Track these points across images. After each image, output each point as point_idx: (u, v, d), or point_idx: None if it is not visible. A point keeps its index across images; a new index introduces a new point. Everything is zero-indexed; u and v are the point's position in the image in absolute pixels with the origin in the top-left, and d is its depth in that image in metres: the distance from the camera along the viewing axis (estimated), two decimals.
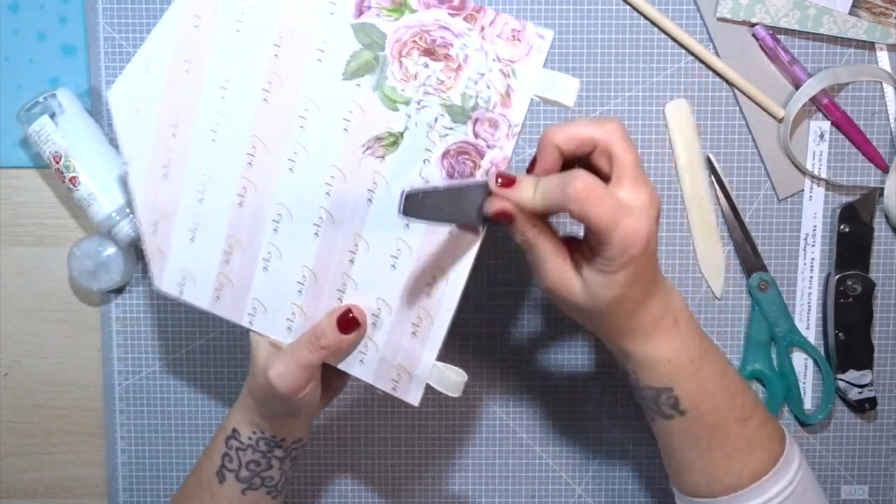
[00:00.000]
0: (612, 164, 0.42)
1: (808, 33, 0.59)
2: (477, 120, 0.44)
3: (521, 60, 0.44)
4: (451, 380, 0.47)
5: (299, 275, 0.48)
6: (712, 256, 0.61)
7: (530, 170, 0.44)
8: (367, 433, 0.63)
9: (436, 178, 0.45)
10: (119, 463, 0.63)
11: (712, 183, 0.61)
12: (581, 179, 0.40)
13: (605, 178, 0.43)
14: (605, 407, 0.63)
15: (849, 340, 0.61)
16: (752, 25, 0.59)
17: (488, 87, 0.44)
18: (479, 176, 0.45)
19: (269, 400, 0.49)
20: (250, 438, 0.51)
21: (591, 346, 0.62)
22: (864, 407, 0.61)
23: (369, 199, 0.46)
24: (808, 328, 0.62)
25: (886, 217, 0.61)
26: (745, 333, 0.62)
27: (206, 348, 0.62)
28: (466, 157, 0.45)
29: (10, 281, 0.63)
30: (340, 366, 0.49)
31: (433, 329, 0.47)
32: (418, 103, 0.45)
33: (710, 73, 0.60)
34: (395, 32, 0.44)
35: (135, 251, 0.61)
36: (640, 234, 0.40)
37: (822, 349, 0.62)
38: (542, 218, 0.44)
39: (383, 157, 0.45)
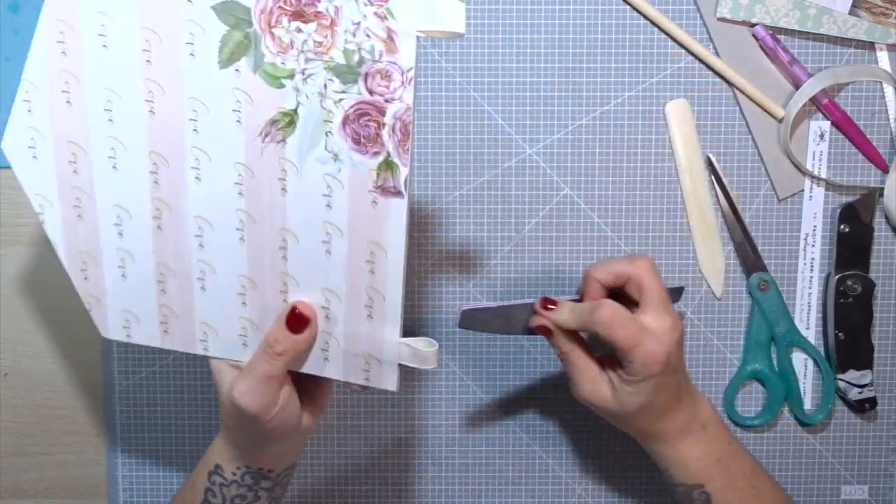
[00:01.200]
0: (641, 294, 0.50)
1: (808, 33, 0.59)
2: (367, 75, 0.41)
3: None
4: (423, 352, 0.45)
5: (237, 286, 0.46)
6: (712, 256, 0.61)
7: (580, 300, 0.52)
8: (366, 434, 0.63)
9: (343, 148, 0.43)
10: (119, 463, 0.63)
11: (712, 183, 0.61)
12: (607, 307, 0.48)
13: (636, 304, 0.51)
14: None
15: (849, 340, 0.61)
16: (752, 25, 0.59)
17: (368, 35, 0.41)
18: (385, 136, 0.42)
19: (245, 427, 0.47)
20: (234, 474, 0.49)
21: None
22: (864, 407, 0.61)
23: (283, 189, 0.43)
24: (808, 328, 0.62)
25: (886, 217, 0.61)
26: (745, 333, 0.62)
27: None
28: (367, 118, 0.42)
29: (10, 281, 0.63)
30: (306, 369, 0.47)
31: (387, 305, 0.45)
32: (303, 73, 0.42)
33: (710, 73, 0.60)
34: (257, 4, 0.41)
35: None
36: (658, 356, 0.48)
37: (822, 349, 0.62)
38: (576, 336, 0.51)
39: (284, 140, 0.43)
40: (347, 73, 0.42)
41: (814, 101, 0.60)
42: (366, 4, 0.40)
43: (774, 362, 0.62)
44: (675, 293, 0.57)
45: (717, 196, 0.61)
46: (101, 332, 0.48)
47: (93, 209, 0.46)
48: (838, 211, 0.60)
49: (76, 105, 0.45)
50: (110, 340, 0.62)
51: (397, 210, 0.43)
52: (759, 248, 0.61)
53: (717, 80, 0.60)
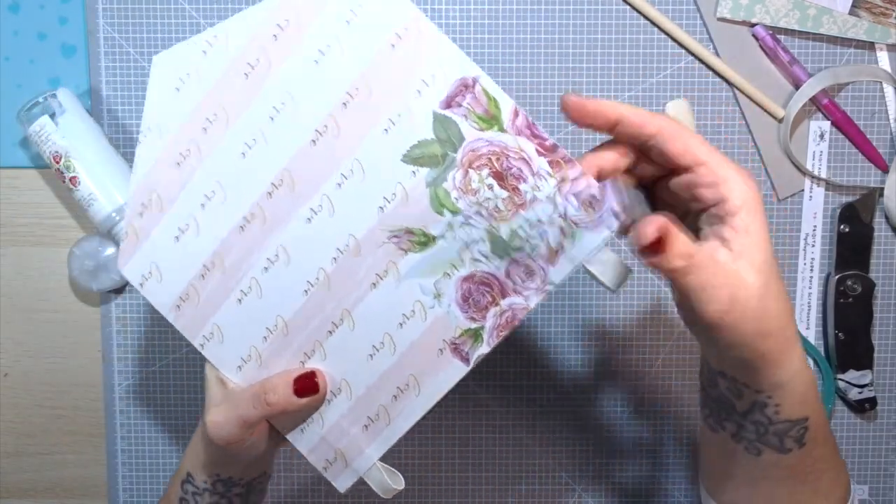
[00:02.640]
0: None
1: (808, 33, 0.59)
2: (515, 261, 0.42)
3: (587, 228, 0.40)
4: (386, 484, 0.45)
5: (272, 322, 0.45)
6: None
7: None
8: None
9: (450, 296, 0.43)
10: (119, 463, 0.63)
11: None
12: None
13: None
14: (606, 407, 0.63)
15: (849, 340, 0.61)
16: (752, 25, 0.59)
17: (541, 236, 0.41)
18: (491, 314, 0.43)
19: (211, 446, 0.46)
20: (206, 482, 0.48)
21: (590, 345, 0.62)
22: (864, 407, 0.61)
23: (374, 284, 0.43)
24: (808, 328, 0.62)
25: (886, 217, 0.61)
26: None
27: None
28: (487, 289, 0.43)
29: (10, 281, 0.63)
30: (278, 428, 0.46)
31: (387, 431, 0.45)
32: (466, 218, 0.42)
33: (710, 73, 0.60)
34: (474, 141, 0.41)
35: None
36: (744, 172, 0.38)
37: (822, 349, 0.62)
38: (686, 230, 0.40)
39: (406, 251, 0.43)
40: (501, 248, 0.42)
41: (814, 101, 0.60)
42: (561, 216, 0.41)
43: None
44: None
45: None
46: (118, 264, 0.47)
47: (195, 169, 0.45)
48: (838, 211, 0.60)
49: (252, 83, 0.44)
50: (111, 340, 0.62)
51: (455, 372, 0.44)
52: None
53: (717, 80, 0.60)
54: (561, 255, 0.41)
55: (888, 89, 0.60)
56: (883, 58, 0.60)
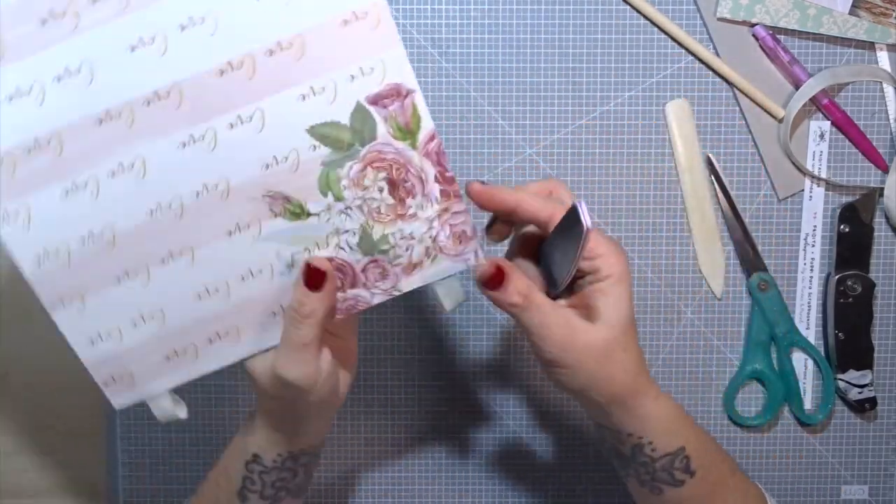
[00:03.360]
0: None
1: (808, 33, 0.59)
2: (375, 261, 0.44)
3: (448, 257, 0.44)
4: (168, 411, 0.45)
5: (98, 227, 0.42)
6: (712, 256, 0.61)
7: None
8: (365, 434, 0.63)
9: (296, 270, 0.43)
10: (119, 463, 0.63)
11: (712, 183, 0.61)
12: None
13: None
14: None
15: (849, 340, 0.61)
16: (752, 25, 0.59)
17: (408, 249, 0.43)
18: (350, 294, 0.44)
19: (289, 406, 0.45)
20: (275, 461, 0.48)
21: None
22: (864, 407, 0.61)
23: (230, 232, 0.42)
24: (808, 328, 0.62)
25: (886, 217, 0.61)
26: (745, 333, 0.62)
27: None
28: (340, 275, 0.44)
29: (10, 281, 0.63)
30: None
31: (191, 366, 0.44)
32: (346, 208, 0.43)
33: (710, 73, 0.60)
34: (384, 144, 0.42)
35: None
36: (614, 244, 0.44)
37: (822, 349, 0.62)
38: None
39: (276, 215, 0.42)
40: (368, 246, 0.43)
41: (814, 101, 0.60)
42: (431, 239, 0.43)
43: (774, 362, 0.62)
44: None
45: (717, 196, 0.61)
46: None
47: (67, 35, 0.40)
48: (838, 211, 0.60)
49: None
50: None
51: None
52: (759, 248, 0.61)
53: (717, 80, 0.60)
54: (417, 271, 0.44)
55: (888, 89, 0.60)
56: (883, 58, 0.60)
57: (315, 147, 0.42)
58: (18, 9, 0.40)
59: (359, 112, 0.41)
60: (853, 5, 0.59)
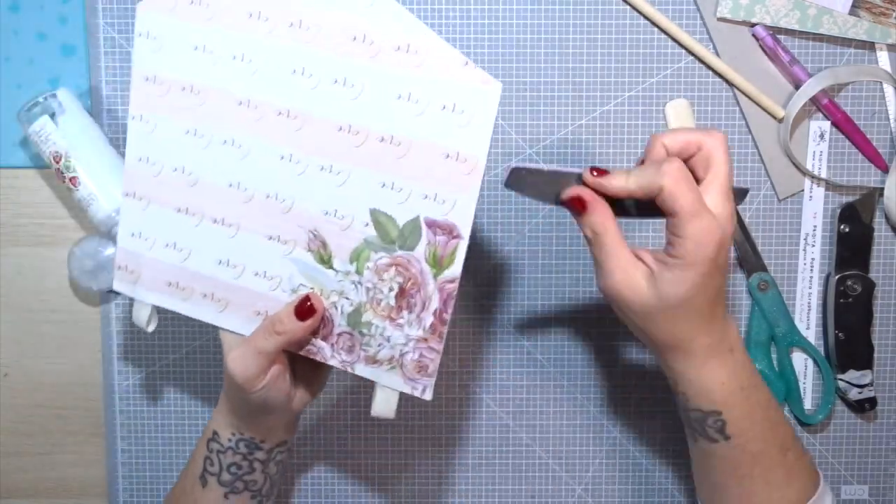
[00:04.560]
0: (709, 171, 0.44)
1: (808, 33, 0.59)
2: (350, 334, 0.49)
3: (403, 377, 0.49)
4: (143, 318, 0.52)
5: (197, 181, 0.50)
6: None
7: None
8: (365, 434, 0.63)
9: (294, 296, 0.49)
10: (119, 463, 0.63)
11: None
12: (677, 163, 0.43)
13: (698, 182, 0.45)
14: (606, 406, 0.63)
15: (849, 340, 0.61)
16: (752, 25, 0.59)
17: (378, 345, 0.49)
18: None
19: (236, 394, 0.49)
20: (229, 440, 0.51)
21: (591, 345, 0.62)
22: (864, 407, 0.61)
23: (271, 237, 0.49)
24: (808, 328, 0.62)
25: (886, 217, 0.61)
26: (745, 333, 0.62)
27: (205, 348, 0.62)
28: (321, 323, 0.49)
29: (10, 281, 0.63)
30: (303, 352, 0.50)
31: (175, 300, 0.51)
32: (357, 283, 0.48)
33: (710, 73, 0.60)
34: (414, 261, 0.47)
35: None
36: (714, 235, 0.42)
37: (822, 349, 0.62)
38: (611, 217, 0.45)
39: (308, 251, 0.48)
40: (353, 321, 0.49)
41: (814, 101, 0.60)
42: (399, 352, 0.48)
43: (774, 362, 0.62)
44: (740, 194, 0.51)
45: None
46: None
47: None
48: (838, 211, 0.60)
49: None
50: (111, 340, 0.62)
51: (247, 328, 0.50)
52: (759, 248, 0.61)
53: (717, 80, 0.60)
54: (374, 366, 0.49)
55: (888, 89, 0.60)
56: (883, 58, 0.60)
57: (367, 224, 0.47)
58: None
59: (414, 224, 0.47)
60: (853, 5, 0.59)
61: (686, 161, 0.45)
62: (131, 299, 0.52)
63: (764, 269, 0.61)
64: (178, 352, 0.62)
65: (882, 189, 0.60)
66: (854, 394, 0.61)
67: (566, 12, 0.59)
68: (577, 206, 0.45)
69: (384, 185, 0.46)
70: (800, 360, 0.62)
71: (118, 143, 0.60)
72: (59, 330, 0.63)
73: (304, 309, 0.47)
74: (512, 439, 0.63)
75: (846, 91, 0.60)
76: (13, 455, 0.64)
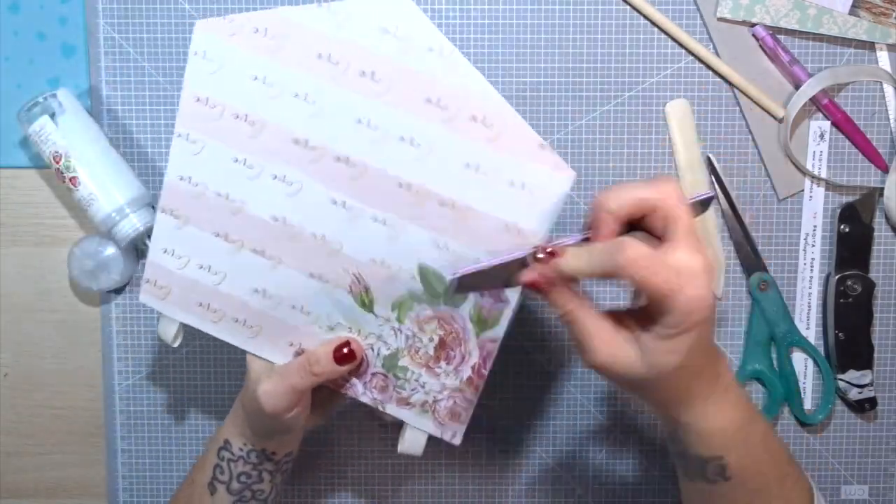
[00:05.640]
0: (667, 227, 0.41)
1: (808, 33, 0.59)
2: (385, 376, 0.50)
3: (434, 422, 0.50)
4: (169, 333, 0.51)
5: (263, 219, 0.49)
6: (712, 256, 0.61)
7: (586, 240, 0.43)
8: (365, 434, 0.63)
9: (336, 334, 0.50)
10: (119, 463, 0.63)
11: (712, 183, 0.60)
12: (631, 247, 0.39)
13: (658, 238, 0.42)
14: (606, 406, 0.63)
15: (849, 340, 0.61)
16: (752, 25, 0.59)
17: (412, 390, 0.50)
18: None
19: (258, 416, 0.49)
20: (241, 450, 0.52)
21: None
22: (864, 407, 0.61)
23: (312, 275, 0.49)
24: (808, 328, 0.62)
25: (886, 217, 0.61)
26: (745, 333, 0.62)
27: (205, 348, 0.62)
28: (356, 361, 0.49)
29: (10, 281, 0.63)
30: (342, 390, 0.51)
31: (204, 320, 0.51)
32: (397, 330, 0.49)
33: (710, 73, 0.60)
34: (458, 318, 0.48)
35: (135, 251, 0.61)
36: (704, 300, 0.39)
37: (822, 349, 0.62)
38: (576, 292, 0.43)
39: (350, 293, 0.48)
40: (389, 364, 0.50)
41: (814, 101, 0.60)
42: (433, 399, 0.50)
43: (774, 362, 0.62)
44: (704, 203, 0.48)
45: (717, 196, 0.61)
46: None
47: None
48: (838, 211, 0.60)
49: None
50: (111, 340, 0.62)
51: (278, 358, 0.51)
52: (759, 248, 0.61)
53: (717, 80, 0.60)
54: (406, 408, 0.50)
55: (888, 89, 0.60)
56: (883, 58, 0.60)
57: (414, 278, 0.47)
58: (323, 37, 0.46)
59: (463, 287, 0.47)
60: (853, 5, 0.59)
61: (640, 220, 0.42)
62: (158, 313, 0.52)
63: (764, 269, 0.61)
64: (178, 352, 0.62)
65: (882, 189, 0.60)
66: (854, 394, 0.61)
67: (566, 12, 0.59)
68: (539, 289, 0.42)
69: (437, 245, 0.47)
70: (800, 360, 0.62)
71: (118, 143, 0.60)
72: (59, 330, 0.63)
73: (343, 354, 0.48)
74: (512, 440, 0.63)
75: (846, 91, 0.60)
76: (13, 455, 0.64)
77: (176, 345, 0.52)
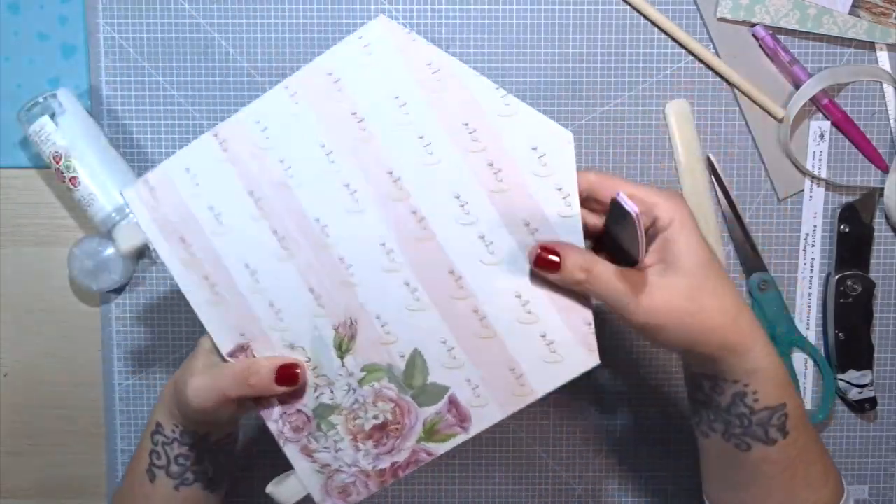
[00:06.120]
0: (666, 252, 0.43)
1: (808, 33, 0.59)
2: (309, 421, 0.47)
3: (331, 496, 0.47)
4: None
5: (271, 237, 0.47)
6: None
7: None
8: None
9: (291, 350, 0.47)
10: (119, 463, 0.63)
11: (712, 183, 0.61)
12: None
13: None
14: (606, 406, 0.63)
15: (849, 340, 0.61)
16: (752, 25, 0.59)
17: (327, 454, 0.47)
18: (276, 411, 0.47)
19: (184, 404, 0.47)
20: (173, 431, 0.50)
21: None
22: (864, 407, 0.61)
23: (316, 307, 0.47)
24: (808, 328, 0.62)
25: (886, 217, 0.61)
26: None
27: None
28: (295, 416, 0.47)
29: (10, 281, 0.63)
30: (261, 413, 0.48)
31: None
32: (350, 390, 0.47)
33: (710, 73, 0.60)
34: (415, 417, 0.46)
35: (135, 251, 0.61)
36: (678, 202, 0.44)
37: (822, 349, 0.62)
38: (584, 250, 0.44)
39: (333, 329, 0.47)
40: (319, 413, 0.47)
41: (814, 101, 0.60)
42: (337, 468, 0.47)
43: None
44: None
45: (717, 196, 0.61)
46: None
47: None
48: (838, 211, 0.60)
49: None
50: (111, 340, 0.62)
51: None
52: (759, 248, 0.61)
53: (717, 80, 0.60)
54: (304, 458, 0.47)
55: (888, 89, 0.60)
56: (883, 58, 0.60)
57: (402, 357, 0.46)
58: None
59: (440, 391, 0.46)
60: (853, 5, 0.59)
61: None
62: (130, 213, 0.48)
63: (764, 269, 0.61)
64: (178, 352, 0.62)
65: (882, 189, 0.60)
66: (854, 394, 0.61)
67: (566, 12, 0.59)
68: (552, 263, 0.43)
69: (444, 343, 0.45)
70: (800, 360, 0.62)
71: (118, 143, 0.60)
72: (59, 330, 0.63)
73: (287, 375, 0.45)
74: (512, 439, 0.63)
75: (846, 91, 0.60)
76: (13, 455, 0.64)
77: (122, 253, 0.49)
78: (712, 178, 0.60)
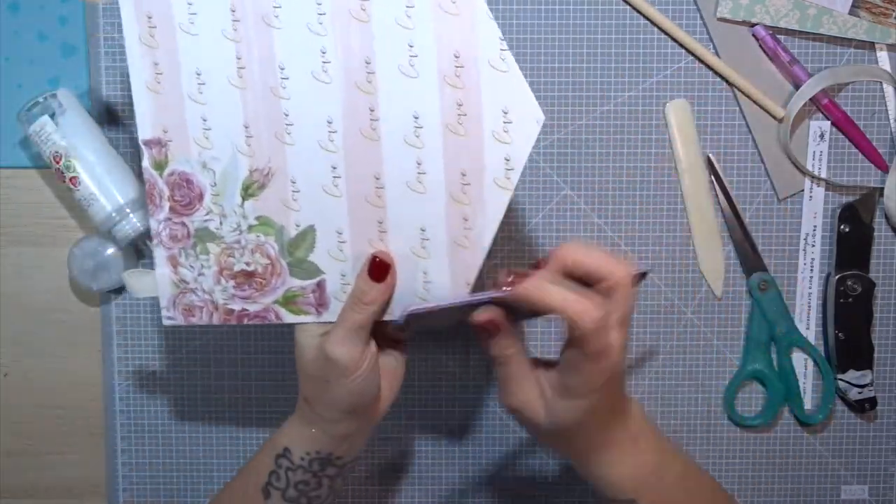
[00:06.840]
0: (611, 298, 0.43)
1: (808, 33, 0.59)
2: (188, 233, 0.48)
3: (173, 305, 0.49)
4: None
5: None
6: (712, 256, 0.61)
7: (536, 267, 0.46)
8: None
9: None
10: (119, 463, 0.63)
11: (712, 183, 0.61)
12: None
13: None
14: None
15: (849, 340, 0.61)
16: (752, 25, 0.59)
17: (191, 273, 0.49)
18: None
19: (330, 389, 0.47)
20: (303, 459, 0.49)
21: None
22: (864, 407, 0.61)
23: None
24: (808, 328, 0.62)
25: (886, 217, 0.61)
26: (745, 333, 0.62)
27: (206, 348, 0.62)
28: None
29: (10, 281, 0.63)
30: (395, 312, 0.48)
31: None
32: (238, 230, 0.48)
33: (710, 73, 0.60)
34: (285, 280, 0.48)
35: (135, 251, 0.61)
36: (605, 373, 0.43)
37: (822, 349, 0.62)
38: (517, 337, 0.47)
39: (248, 164, 0.47)
40: (202, 236, 0.48)
41: (814, 101, 0.60)
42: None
43: (774, 362, 0.62)
44: (640, 277, 0.49)
45: (717, 196, 0.61)
46: None
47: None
48: (838, 211, 0.60)
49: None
50: (111, 340, 0.62)
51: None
52: (759, 248, 0.61)
53: (717, 80, 0.60)
54: (168, 267, 0.49)
55: (888, 89, 0.60)
56: (883, 58, 0.60)
57: (297, 227, 0.47)
58: None
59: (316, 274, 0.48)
60: (853, 5, 0.59)
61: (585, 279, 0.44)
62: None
63: (764, 269, 0.61)
64: (178, 352, 0.62)
65: (882, 189, 0.60)
66: (854, 394, 0.61)
67: (566, 12, 0.59)
68: (490, 329, 0.46)
69: (339, 234, 0.47)
70: (800, 360, 0.62)
71: (118, 143, 0.60)
72: (59, 330, 0.63)
73: (376, 265, 0.47)
74: (512, 439, 0.63)
75: (846, 91, 0.60)
76: (13, 455, 0.64)
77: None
78: (712, 178, 0.60)
